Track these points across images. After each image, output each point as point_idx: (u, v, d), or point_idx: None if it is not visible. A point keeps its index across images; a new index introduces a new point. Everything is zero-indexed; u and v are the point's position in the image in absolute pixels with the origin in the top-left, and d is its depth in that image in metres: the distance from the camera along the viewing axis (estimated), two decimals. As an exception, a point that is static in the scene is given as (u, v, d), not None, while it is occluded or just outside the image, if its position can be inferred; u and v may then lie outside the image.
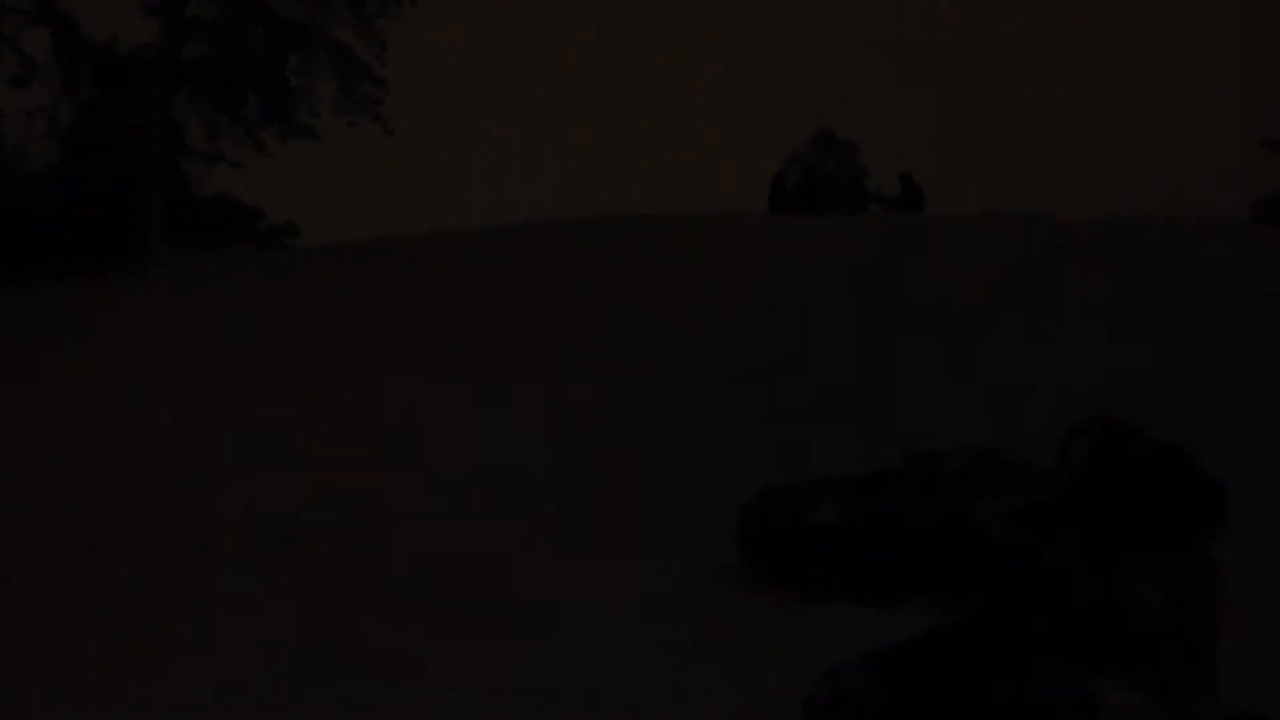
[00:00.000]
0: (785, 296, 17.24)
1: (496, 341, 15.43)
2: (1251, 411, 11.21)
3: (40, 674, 6.61)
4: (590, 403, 12.65)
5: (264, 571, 8.21)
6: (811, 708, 4.58)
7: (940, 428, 10.62)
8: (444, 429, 11.95)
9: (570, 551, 8.37)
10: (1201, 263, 17.84)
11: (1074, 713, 4.12)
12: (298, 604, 7.53)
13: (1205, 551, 4.47)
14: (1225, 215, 26.83)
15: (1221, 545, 4.58)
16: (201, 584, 8.05)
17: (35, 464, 11.45)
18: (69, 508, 10.07)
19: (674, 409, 12.37)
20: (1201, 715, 4.26)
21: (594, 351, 14.72)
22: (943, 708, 4.35)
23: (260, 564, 8.41)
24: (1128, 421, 4.78)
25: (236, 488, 10.34)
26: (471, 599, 7.48)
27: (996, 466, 7.47)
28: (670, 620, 7.05)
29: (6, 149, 27.09)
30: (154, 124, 27.35)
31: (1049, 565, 4.41)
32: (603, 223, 24.94)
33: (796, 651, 6.26)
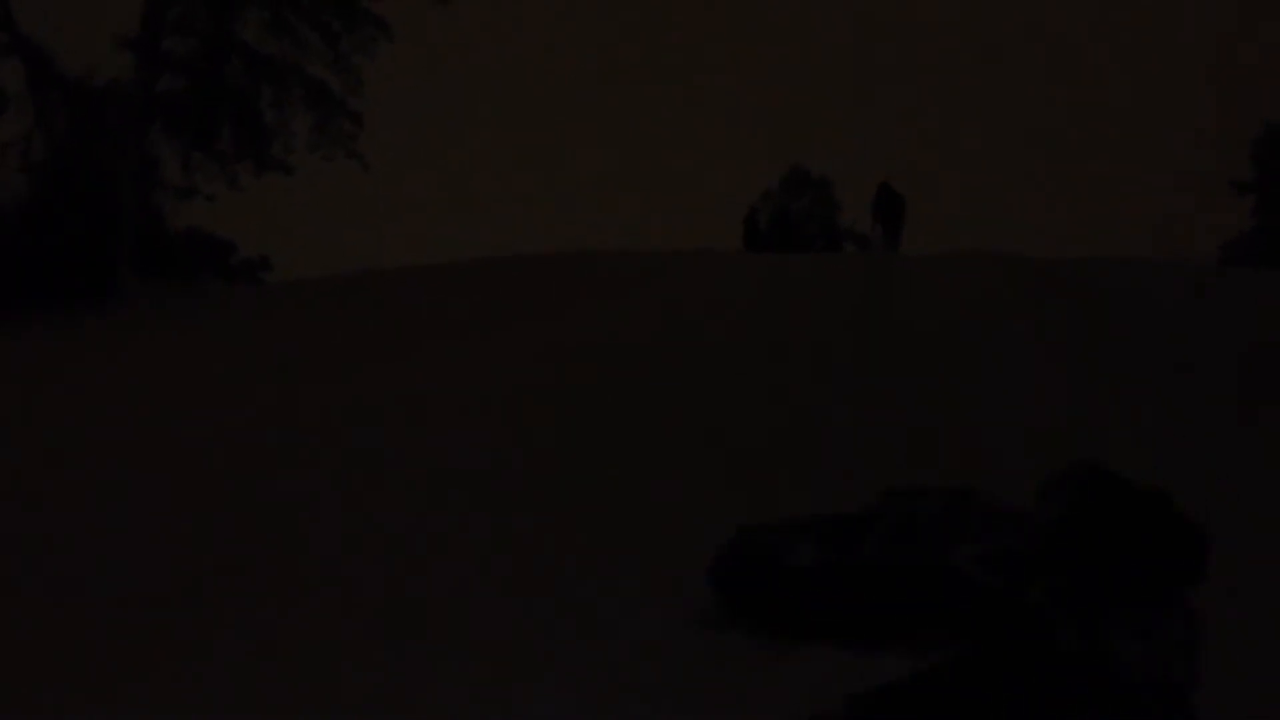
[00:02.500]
0: (758, 335, 17.28)
1: (465, 382, 15.39)
2: (1223, 454, 11.26)
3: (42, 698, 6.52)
4: (561, 441, 12.61)
5: (226, 616, 8.11)
6: None
7: (915, 467, 10.62)
8: (409, 473, 11.88)
9: (541, 594, 8.31)
10: (1174, 304, 17.98)
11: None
12: (254, 649, 7.44)
13: (1185, 600, 4.46)
14: (1195, 256, 27.07)
15: (1199, 593, 4.58)
16: (172, 630, 7.95)
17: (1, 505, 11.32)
18: (36, 547, 9.94)
19: (647, 448, 12.34)
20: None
21: (564, 390, 14.71)
22: None
23: (222, 608, 8.31)
24: (1106, 468, 4.78)
25: (206, 529, 10.25)
26: (440, 644, 7.40)
27: (974, 510, 7.45)
28: (645, 664, 6.99)
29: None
30: (128, 158, 27.28)
31: (1030, 611, 4.40)
32: (574, 260, 24.99)
33: (774, 695, 6.23)
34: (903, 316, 17.90)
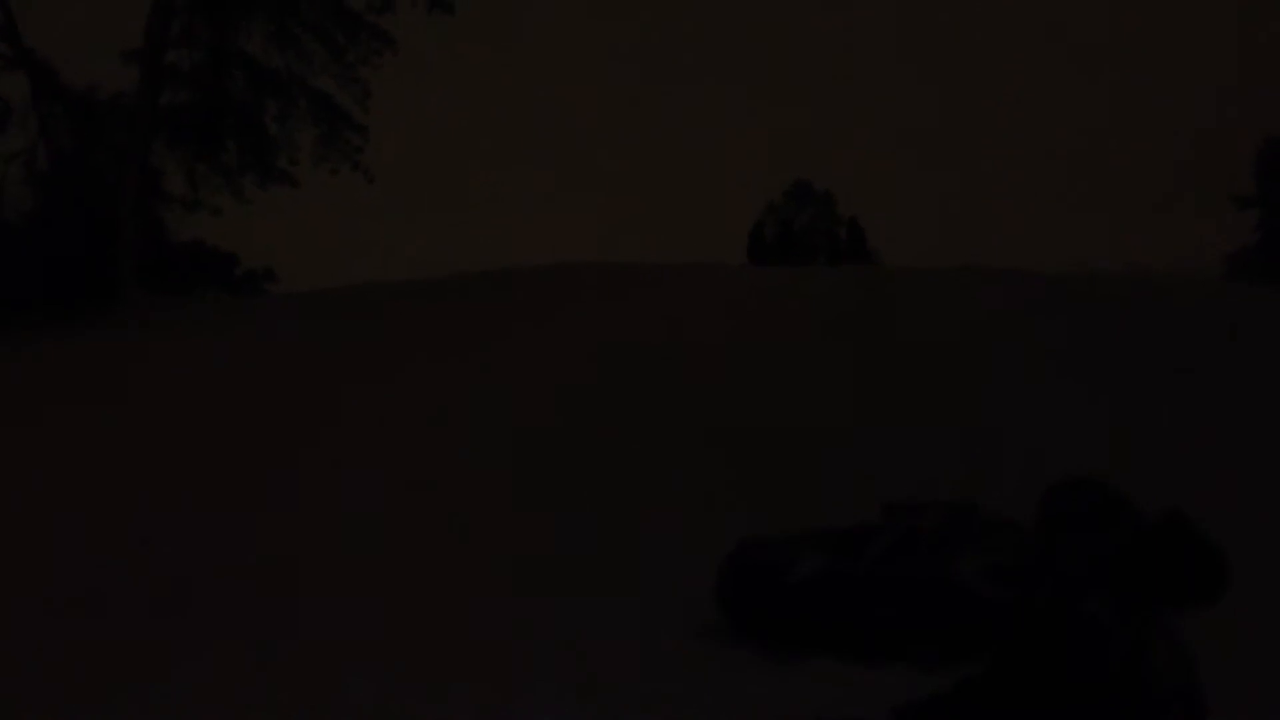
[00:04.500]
0: (761, 347, 17.29)
1: (469, 395, 15.41)
2: (1223, 465, 11.27)
3: (43, 702, 6.53)
4: (564, 454, 12.63)
5: (229, 626, 8.14)
6: None
7: (916, 480, 10.64)
8: (414, 484, 11.91)
9: (543, 605, 8.32)
10: (1174, 318, 17.98)
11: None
12: (263, 662, 7.45)
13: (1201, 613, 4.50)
14: (1198, 270, 27.08)
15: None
16: (169, 639, 7.97)
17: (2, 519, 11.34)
18: (38, 562, 9.96)
19: (651, 460, 12.36)
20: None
21: (568, 402, 14.73)
22: None
23: (225, 618, 8.33)
24: (1104, 482, 4.80)
25: (206, 541, 10.27)
26: (447, 656, 7.42)
27: (976, 523, 7.47)
28: (649, 676, 7.00)
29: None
30: (130, 171, 27.33)
31: (1083, 625, 4.40)
32: (579, 271, 25.01)
33: (776, 707, 6.24)
34: (904, 331, 17.91)
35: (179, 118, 29.19)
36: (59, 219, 26.68)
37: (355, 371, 17.40)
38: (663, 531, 10.10)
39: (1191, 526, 4.46)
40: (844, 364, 16.17)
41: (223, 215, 30.04)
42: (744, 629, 7.64)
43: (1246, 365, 15.16)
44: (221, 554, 9.84)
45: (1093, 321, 17.81)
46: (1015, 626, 4.62)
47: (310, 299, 25.91)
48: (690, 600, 8.09)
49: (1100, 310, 18.56)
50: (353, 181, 30.50)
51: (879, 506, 8.15)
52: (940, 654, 6.36)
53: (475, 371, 16.62)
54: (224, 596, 8.77)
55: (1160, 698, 4.34)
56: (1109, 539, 4.47)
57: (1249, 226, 58.42)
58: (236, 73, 29.45)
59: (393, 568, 9.39)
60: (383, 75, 30.64)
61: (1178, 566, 4.40)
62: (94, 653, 7.64)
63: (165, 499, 11.66)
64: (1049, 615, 4.44)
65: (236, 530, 10.55)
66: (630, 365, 16.38)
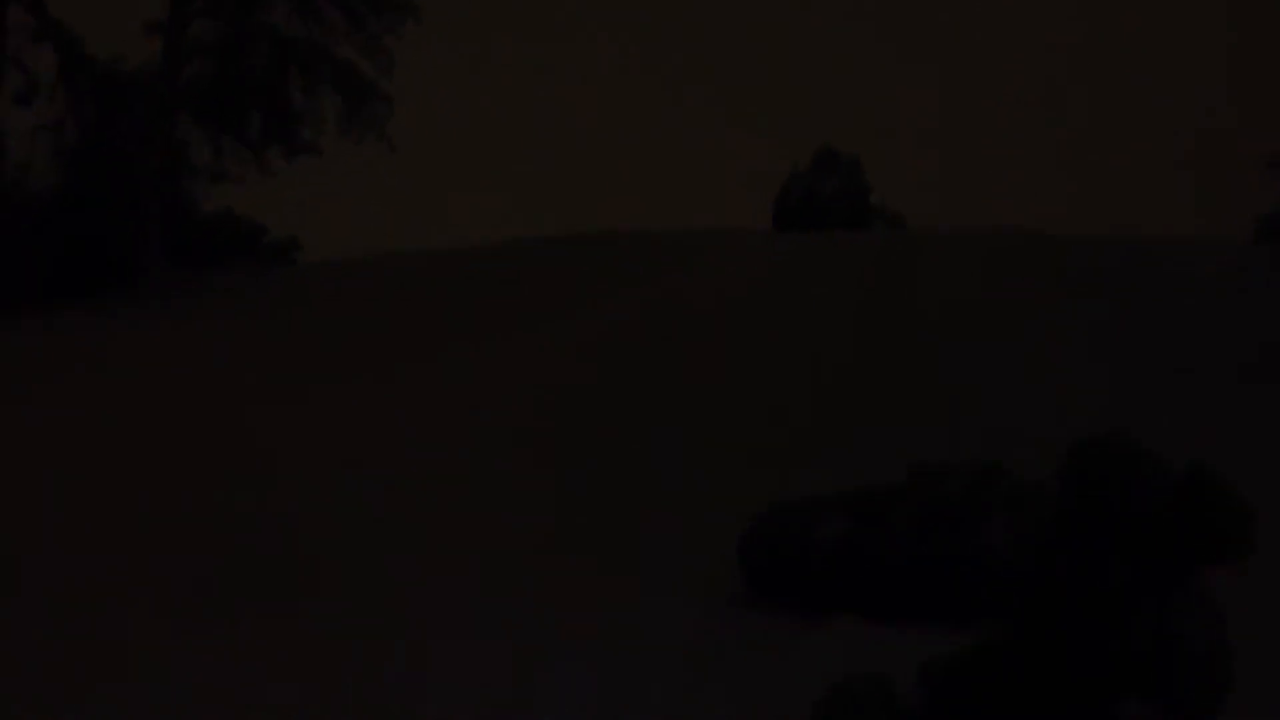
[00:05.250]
0: (788, 314, 17.25)
1: (497, 363, 15.41)
2: (1246, 428, 11.20)
3: (42, 701, 6.55)
4: (593, 423, 12.63)
5: (259, 597, 8.19)
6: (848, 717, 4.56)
7: (942, 443, 10.61)
8: (439, 453, 11.94)
9: (574, 573, 8.35)
10: (1202, 282, 17.86)
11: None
12: (292, 627, 7.50)
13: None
14: (1228, 234, 26.80)
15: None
16: (193, 612, 8.01)
17: (23, 493, 11.35)
18: (58, 537, 10.01)
19: (677, 427, 12.36)
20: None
21: (596, 371, 14.72)
22: None
23: (252, 591, 8.38)
24: (1131, 440, 4.77)
25: (230, 515, 10.30)
26: (473, 625, 7.46)
27: (1001, 485, 7.46)
28: (674, 638, 7.04)
29: (10, 167, 27.07)
30: (155, 142, 27.34)
31: (1107, 584, 4.38)
32: (606, 240, 24.96)
33: (802, 668, 6.25)
34: (931, 294, 17.83)
35: (203, 90, 29.15)
36: (86, 191, 26.71)
37: (382, 341, 17.40)
38: (687, 493, 10.11)
39: (1218, 482, 4.43)
40: (871, 327, 16.12)
41: (247, 187, 30.01)
42: (770, 591, 7.65)
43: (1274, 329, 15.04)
44: (244, 528, 9.89)
45: (1119, 284, 17.71)
46: (1040, 586, 4.61)
47: (335, 269, 25.94)
48: (718, 561, 8.11)
49: (1126, 273, 18.45)
50: (379, 152, 30.30)
51: (905, 469, 8.14)
52: (965, 615, 6.36)
53: (506, 342, 16.62)
54: (246, 572, 8.83)
55: (1189, 658, 4.32)
56: (1135, 495, 4.45)
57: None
58: (260, 44, 29.38)
59: (419, 539, 9.42)
60: (408, 42, 30.46)
61: (1205, 523, 4.37)
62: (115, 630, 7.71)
63: (187, 481, 11.68)
64: (1074, 574, 4.42)
65: (264, 501, 10.60)
66: (660, 335, 16.36)
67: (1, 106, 27.46)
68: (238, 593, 8.35)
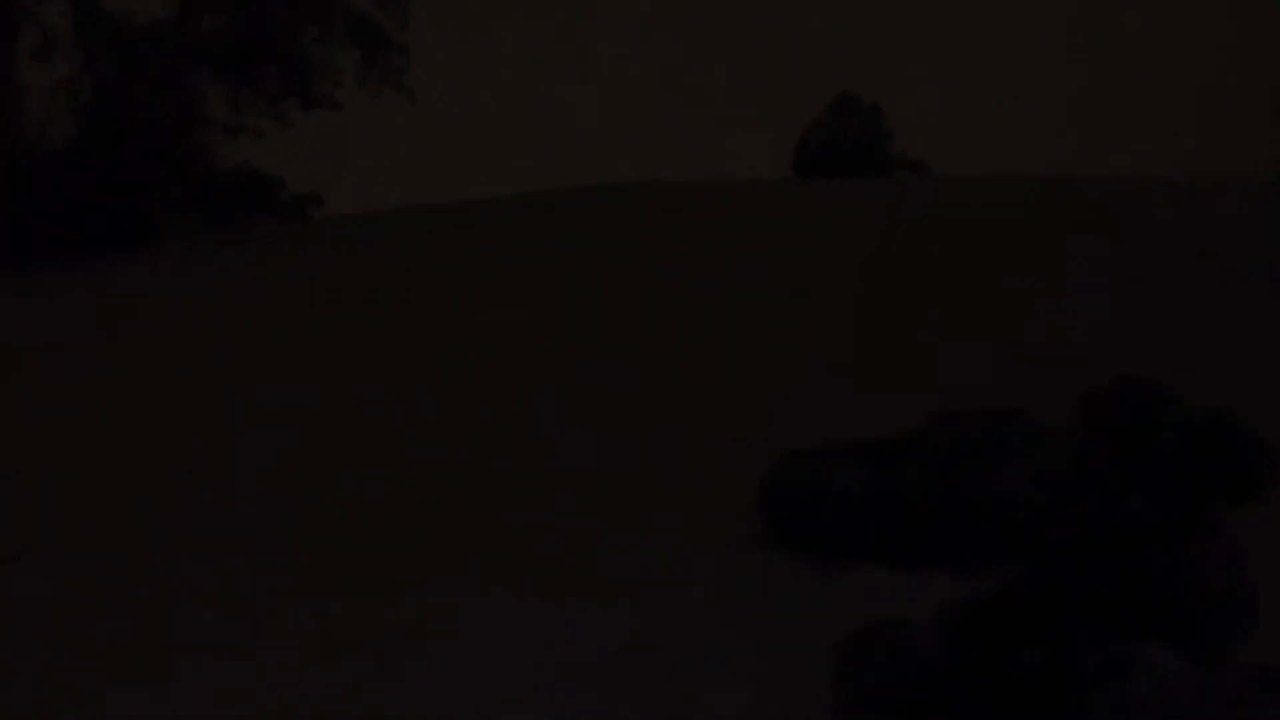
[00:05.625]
0: (804, 260, 17.20)
1: (518, 310, 15.42)
2: (1258, 370, 11.13)
3: (54, 659, 6.56)
4: (611, 371, 12.63)
5: (275, 552, 8.22)
6: (870, 660, 4.57)
7: (961, 390, 10.57)
8: (458, 400, 11.97)
9: (591, 519, 8.37)
10: (1220, 224, 17.74)
11: (1104, 676, 4.10)
12: (312, 582, 7.54)
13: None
14: (1245, 178, 26.55)
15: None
16: (212, 562, 8.06)
17: (37, 448, 11.41)
18: (71, 488, 10.06)
19: (695, 375, 12.35)
20: (1237, 675, 4.24)
21: (615, 318, 14.71)
22: (988, 669, 4.33)
23: (278, 539, 8.43)
24: (1151, 381, 4.75)
25: (250, 468, 10.35)
26: (491, 569, 7.49)
27: (1019, 430, 7.43)
28: (694, 588, 7.05)
29: (29, 123, 27.10)
30: (172, 96, 27.33)
31: (1126, 525, 4.36)
32: (625, 189, 24.90)
33: (822, 614, 6.25)
34: (947, 241, 17.74)
35: (220, 43, 29.13)
36: (103, 147, 26.72)
37: (404, 293, 17.42)
38: (708, 441, 10.11)
39: (1237, 421, 4.41)
40: (890, 275, 16.06)
41: (265, 140, 30.02)
42: (788, 538, 7.65)
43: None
44: (271, 484, 9.94)
45: (1139, 229, 17.59)
46: (1059, 528, 4.59)
47: (355, 223, 25.94)
48: (735, 510, 8.11)
49: (1146, 217, 18.33)
50: (399, 104, 30.29)
51: (923, 415, 8.11)
52: (984, 559, 6.34)
53: (527, 290, 16.61)
54: (271, 524, 8.87)
55: (1208, 597, 4.30)
56: (1154, 435, 4.42)
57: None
58: (275, -4, 29.36)
59: (431, 490, 9.45)
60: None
61: (1224, 462, 4.35)
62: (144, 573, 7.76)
63: (203, 433, 11.74)
64: (1092, 515, 4.40)
65: (285, 459, 10.64)
66: (679, 283, 16.32)
67: (18, 63, 27.48)
68: (255, 540, 8.39)
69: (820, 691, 4.90)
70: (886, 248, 17.64)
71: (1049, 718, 4.17)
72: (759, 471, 8.07)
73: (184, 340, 15.69)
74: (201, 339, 15.66)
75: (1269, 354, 11.72)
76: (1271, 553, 5.14)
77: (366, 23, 29.79)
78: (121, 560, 8.22)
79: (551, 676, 5.91)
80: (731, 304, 15.03)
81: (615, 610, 6.67)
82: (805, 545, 7.54)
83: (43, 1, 28.17)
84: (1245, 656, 4.48)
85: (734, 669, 5.88)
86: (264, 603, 7.14)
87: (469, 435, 10.88)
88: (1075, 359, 11.32)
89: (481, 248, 20.38)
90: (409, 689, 5.89)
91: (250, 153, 31.30)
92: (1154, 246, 16.36)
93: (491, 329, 14.79)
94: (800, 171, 35.39)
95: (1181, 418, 4.53)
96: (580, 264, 17.92)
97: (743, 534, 7.87)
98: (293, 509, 9.05)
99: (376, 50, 29.99)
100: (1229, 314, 13.19)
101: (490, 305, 15.97)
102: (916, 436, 7.78)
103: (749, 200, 23.13)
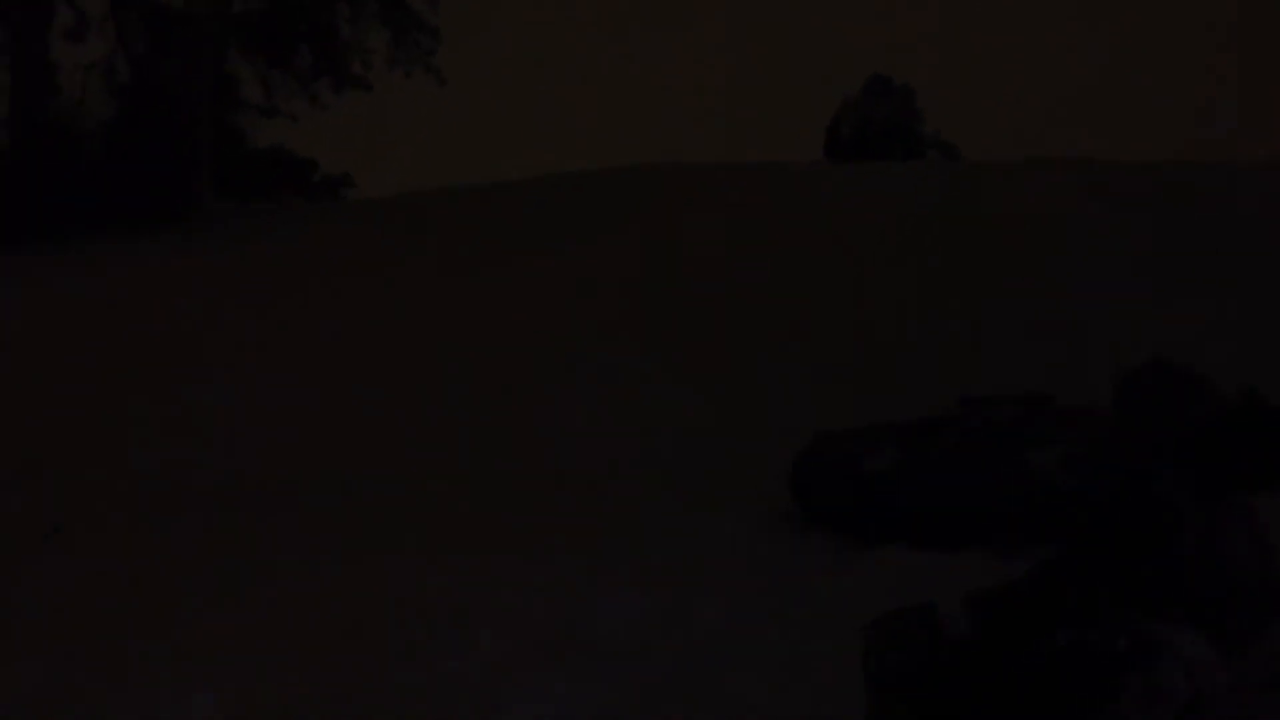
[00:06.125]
0: (836, 243, 17.14)
1: (547, 293, 15.43)
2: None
3: (57, 656, 6.50)
4: (642, 353, 12.64)
5: (307, 521, 8.27)
6: (901, 645, 4.57)
7: (993, 374, 10.54)
8: (489, 380, 11.99)
9: (622, 499, 8.38)
10: (1264, 208, 17.58)
11: (1133, 660, 4.08)
12: (341, 553, 7.57)
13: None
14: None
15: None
16: (229, 540, 8.09)
17: (64, 421, 11.47)
18: (98, 463, 10.12)
19: (727, 357, 12.34)
20: (1265, 661, 4.23)
21: (647, 299, 14.70)
22: (1017, 652, 4.32)
23: (304, 515, 8.47)
24: (1183, 366, 4.73)
25: (280, 438, 10.41)
26: (517, 550, 7.50)
27: (1051, 413, 7.41)
28: (721, 568, 7.05)
29: (63, 103, 27.26)
30: (205, 78, 27.43)
31: (1157, 508, 4.33)
32: (656, 171, 24.86)
33: (852, 595, 6.25)
34: (982, 225, 17.64)
35: (252, 23, 29.22)
36: (138, 128, 26.84)
37: (435, 273, 17.45)
38: (736, 423, 10.11)
39: (1269, 406, 4.38)
40: (922, 260, 15.99)
41: (299, 121, 30.12)
42: (819, 520, 7.65)
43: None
44: (299, 456, 10.00)
45: (1176, 212, 17.45)
46: (1090, 512, 4.58)
47: (387, 204, 25.99)
48: (765, 491, 8.11)
49: (1183, 200, 18.19)
50: (431, 86, 30.36)
51: (955, 398, 8.09)
52: (1015, 542, 6.34)
53: (553, 273, 16.62)
54: (298, 496, 8.92)
55: (1237, 583, 4.28)
56: (1186, 419, 4.41)
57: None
58: (308, -25, 29.41)
59: (455, 463, 9.48)
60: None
61: (1256, 447, 4.32)
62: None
63: (231, 406, 11.79)
64: (1123, 498, 4.38)
65: (313, 433, 10.70)
66: (707, 267, 16.30)
67: (53, 44, 27.63)
68: (284, 511, 8.43)
69: (847, 675, 4.89)
70: (921, 232, 17.57)
71: (1077, 701, 4.16)
72: (787, 450, 8.06)
73: (205, 316, 15.79)
74: (221, 315, 15.74)
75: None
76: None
77: (398, 3, 29.84)
78: (124, 550, 8.23)
79: (570, 661, 5.89)
80: (765, 287, 15.01)
81: (636, 589, 6.68)
82: (835, 526, 7.54)
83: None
84: (1274, 643, 4.46)
85: (759, 652, 5.88)
86: (269, 595, 7.12)
87: (488, 415, 10.91)
88: (1111, 344, 11.27)
89: (509, 228, 20.41)
90: (419, 678, 5.85)
91: (282, 134, 31.42)
92: (1193, 229, 16.23)
93: (522, 306, 14.82)
94: (831, 154, 35.29)
95: (1213, 403, 4.52)
96: (617, 244, 17.89)
97: (774, 514, 7.88)
98: (297, 499, 9.03)
99: (407, 30, 30.05)
100: (1268, 300, 13.08)
101: (521, 283, 16.01)
102: (947, 419, 7.76)
103: (784, 181, 23.06)
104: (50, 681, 6.01)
